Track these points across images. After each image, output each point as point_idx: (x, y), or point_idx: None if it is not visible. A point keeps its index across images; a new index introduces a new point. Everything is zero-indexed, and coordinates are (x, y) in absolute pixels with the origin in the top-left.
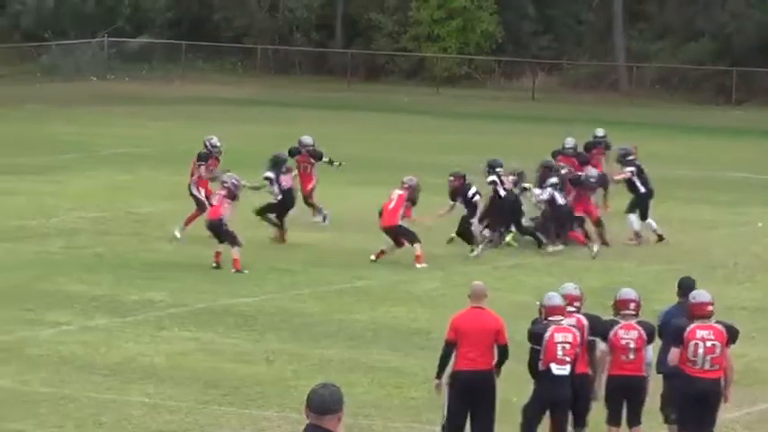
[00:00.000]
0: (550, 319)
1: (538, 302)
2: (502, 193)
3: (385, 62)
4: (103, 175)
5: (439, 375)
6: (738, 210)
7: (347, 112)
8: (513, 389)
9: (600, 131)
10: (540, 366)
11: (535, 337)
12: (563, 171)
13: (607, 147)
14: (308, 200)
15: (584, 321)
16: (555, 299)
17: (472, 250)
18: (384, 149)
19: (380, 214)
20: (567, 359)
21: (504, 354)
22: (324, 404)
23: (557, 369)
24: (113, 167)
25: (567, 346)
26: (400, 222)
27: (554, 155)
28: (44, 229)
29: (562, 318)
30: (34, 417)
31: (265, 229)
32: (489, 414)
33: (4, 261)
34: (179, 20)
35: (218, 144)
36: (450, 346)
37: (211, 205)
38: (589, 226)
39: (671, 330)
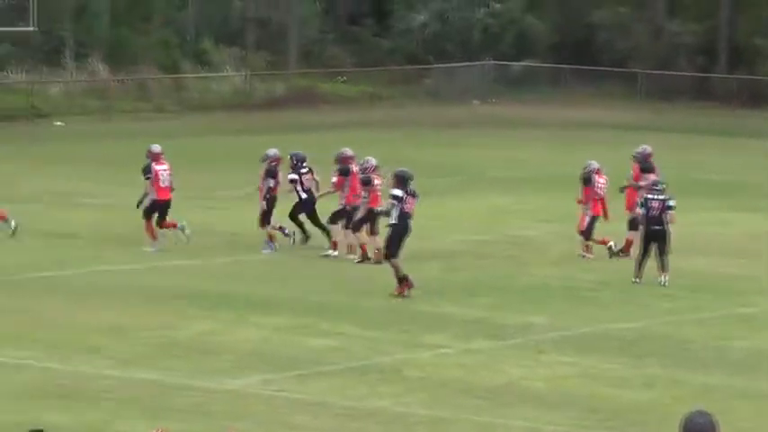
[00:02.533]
0: None
1: None
2: (302, 194)
3: None
4: (484, 198)
5: None
6: None
7: (729, 138)
8: None
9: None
10: None
11: None
12: None
13: None
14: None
15: None
16: None
17: None
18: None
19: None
20: None
21: None
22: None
23: None
24: (494, 190)
25: None
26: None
27: None
28: (423, 252)
29: None
30: None
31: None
32: None
33: (385, 284)
34: (561, 44)
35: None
36: None
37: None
38: None
39: None
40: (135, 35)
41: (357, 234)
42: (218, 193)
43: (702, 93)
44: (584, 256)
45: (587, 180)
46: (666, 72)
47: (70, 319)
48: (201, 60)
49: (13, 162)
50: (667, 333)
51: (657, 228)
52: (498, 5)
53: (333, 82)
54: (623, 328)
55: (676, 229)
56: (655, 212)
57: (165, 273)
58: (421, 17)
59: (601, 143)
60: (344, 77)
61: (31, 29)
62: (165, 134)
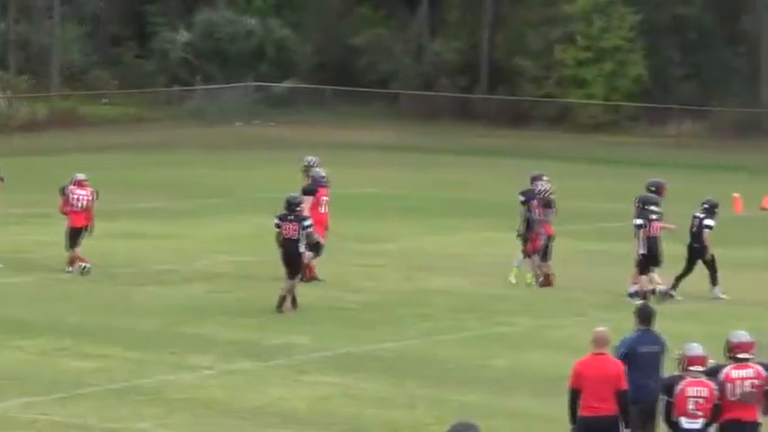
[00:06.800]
0: (690, 369)
1: (678, 352)
2: None
3: (529, 107)
4: (248, 219)
5: (573, 421)
6: None
7: (491, 158)
8: None
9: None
10: (672, 418)
11: (666, 388)
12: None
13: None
14: None
15: (764, 372)
16: (696, 349)
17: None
18: None
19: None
20: (699, 413)
21: (623, 400)
22: None
23: (686, 423)
24: (258, 212)
25: (701, 400)
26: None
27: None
28: (188, 273)
29: (701, 369)
30: None
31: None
32: None
33: (148, 305)
34: (324, 64)
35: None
36: (574, 393)
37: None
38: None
39: None
40: None
41: (548, 262)
42: None
43: (464, 113)
44: None
45: None
46: (428, 92)
47: None
48: None
49: None
50: (428, 353)
51: None
52: (257, 22)
53: (95, 104)
54: (384, 348)
55: (437, 248)
56: None
57: None
58: (183, 36)
59: (362, 164)
60: (107, 99)
61: None
62: None
